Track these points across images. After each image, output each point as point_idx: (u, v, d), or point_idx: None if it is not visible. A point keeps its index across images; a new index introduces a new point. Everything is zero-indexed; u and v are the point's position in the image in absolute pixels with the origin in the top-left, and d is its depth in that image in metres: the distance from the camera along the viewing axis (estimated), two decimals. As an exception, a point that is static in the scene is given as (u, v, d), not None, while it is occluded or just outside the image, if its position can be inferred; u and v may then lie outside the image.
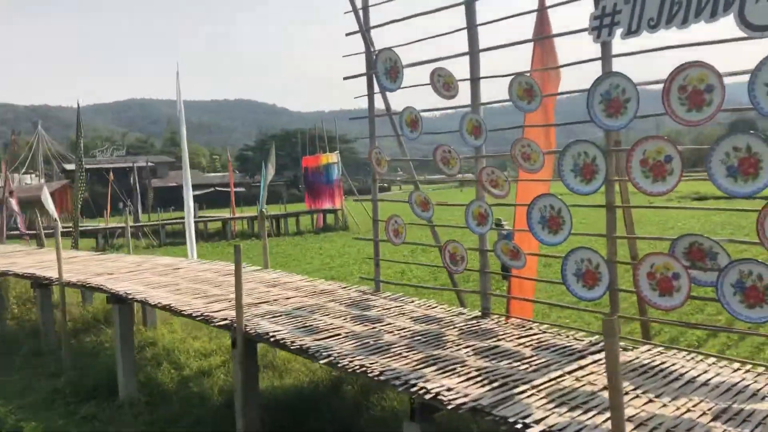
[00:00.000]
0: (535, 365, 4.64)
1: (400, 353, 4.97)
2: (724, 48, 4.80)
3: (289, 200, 46.34)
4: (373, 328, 5.71)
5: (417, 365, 4.67)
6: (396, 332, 5.55)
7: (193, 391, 7.55)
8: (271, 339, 5.46)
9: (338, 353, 4.98)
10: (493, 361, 4.74)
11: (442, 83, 6.19)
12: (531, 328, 5.64)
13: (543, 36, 5.75)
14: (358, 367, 4.69)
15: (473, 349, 5.03)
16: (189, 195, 14.14)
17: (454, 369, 4.56)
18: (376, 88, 6.99)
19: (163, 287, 7.82)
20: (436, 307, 6.50)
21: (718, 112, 4.41)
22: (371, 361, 4.77)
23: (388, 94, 6.94)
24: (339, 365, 4.80)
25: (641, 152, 4.83)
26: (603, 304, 6.12)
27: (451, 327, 5.70)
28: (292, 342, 5.30)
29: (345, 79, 7.28)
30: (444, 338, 5.35)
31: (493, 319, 5.98)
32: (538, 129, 6.48)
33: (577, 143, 5.22)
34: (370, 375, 4.55)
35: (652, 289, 4.93)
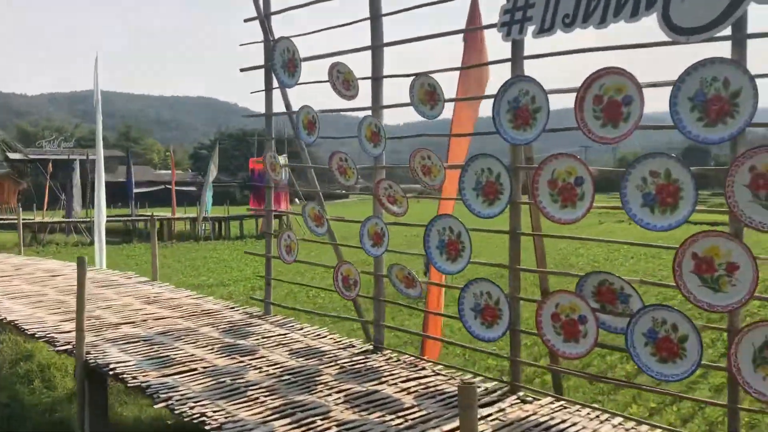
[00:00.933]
0: (412, 420, 3.85)
1: (257, 398, 4.14)
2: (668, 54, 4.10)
3: (243, 202, 45.09)
4: (240, 362, 4.86)
5: (269, 416, 3.84)
6: (265, 369, 4.71)
7: (53, 418, 6.57)
8: (110, 372, 4.56)
9: (182, 395, 4.12)
10: (364, 413, 3.94)
11: (342, 80, 5.40)
12: (424, 368, 4.87)
13: (450, 32, 5.00)
14: (197, 415, 3.84)
15: (346, 395, 4.23)
16: (101, 193, 13.05)
17: (313, 424, 3.75)
18: (275, 83, 6.16)
19: (25, 297, 6.84)
20: (325, 336, 5.68)
21: (635, 129, 3.72)
22: (216, 408, 3.93)
23: (290, 90, 6.13)
24: (176, 411, 3.94)
25: (550, 171, 4.11)
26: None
27: (333, 364, 4.88)
28: (133, 377, 4.42)
29: (242, 71, 6.45)
30: (318, 379, 4.53)
31: (384, 355, 5.18)
32: (459, 139, 5.77)
33: (479, 158, 4.48)
34: (207, 428, 3.71)
35: (556, 332, 4.20)
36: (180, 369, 4.63)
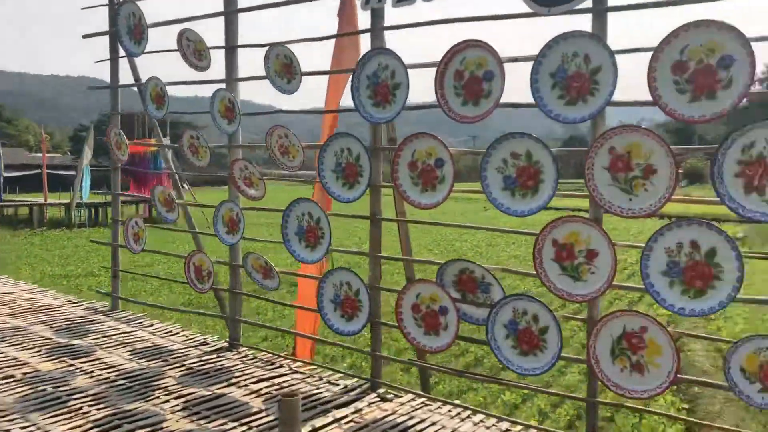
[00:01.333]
0: (257, 427, 3.45)
1: (80, 408, 3.60)
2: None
3: (125, 187, 42.50)
4: (71, 366, 4.27)
5: (89, 429, 3.32)
6: (98, 373, 4.15)
7: None
8: None
9: (-13, 409, 3.52)
10: (203, 421, 3.50)
11: (192, 50, 4.86)
12: (281, 367, 4.47)
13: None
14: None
15: (187, 401, 3.76)
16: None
17: (139, 437, 3.27)
18: (122, 52, 5.53)
19: None
20: (176, 334, 5.16)
21: (495, 107, 3.46)
22: (25, 423, 3.36)
23: (138, 60, 5.52)
24: (-25, 429, 3.34)
25: (410, 153, 3.81)
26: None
27: (178, 365, 4.39)
28: (-70, 389, 3.75)
29: (84, 38, 5.76)
30: (157, 383, 4.03)
31: (239, 353, 4.74)
32: (332, 121, 5.36)
33: (339, 137, 4.12)
34: (9, 448, 3.15)
35: (417, 324, 3.92)
36: (-6, 377, 4.00)
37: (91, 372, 4.17)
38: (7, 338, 4.76)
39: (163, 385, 4.00)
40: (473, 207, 29.86)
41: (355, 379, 4.26)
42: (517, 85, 3.47)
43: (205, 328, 7.02)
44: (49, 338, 4.82)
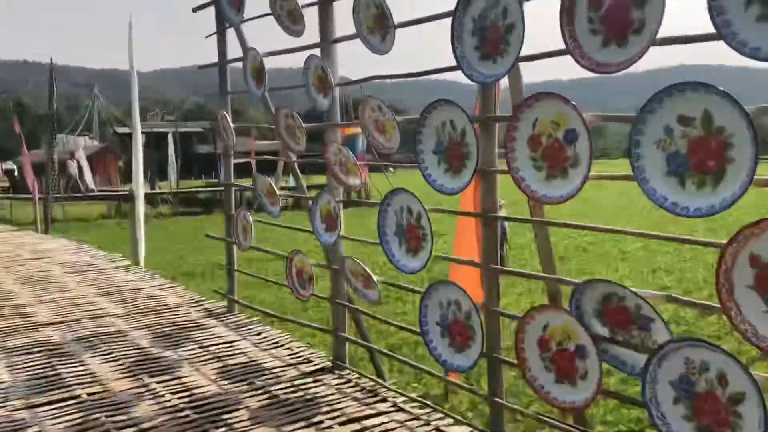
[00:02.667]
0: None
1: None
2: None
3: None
4: (143, 387, 3.71)
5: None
6: (167, 397, 3.55)
7: None
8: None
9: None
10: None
11: (286, 12, 4.06)
12: (384, 401, 3.55)
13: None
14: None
15: (247, 447, 3.00)
16: (138, 168, 12.27)
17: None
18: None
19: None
20: (283, 345, 4.45)
21: (649, 47, 2.20)
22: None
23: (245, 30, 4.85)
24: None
25: (530, 123, 2.65)
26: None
27: (264, 392, 3.65)
28: (-14, 411, 3.37)
29: (194, 11, 5.23)
30: (228, 416, 3.33)
31: (340, 377, 3.90)
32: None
33: (439, 107, 3.05)
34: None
35: (545, 367, 2.78)
36: (58, 396, 3.55)
37: (161, 396, 3.57)
38: (101, 345, 4.37)
39: (231, 421, 3.27)
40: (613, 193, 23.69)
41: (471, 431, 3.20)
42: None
43: (314, 338, 6.37)
44: (142, 348, 4.35)
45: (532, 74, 3.31)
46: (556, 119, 2.55)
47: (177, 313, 5.19)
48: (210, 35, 5.04)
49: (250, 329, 4.78)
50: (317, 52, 3.93)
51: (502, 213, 11.29)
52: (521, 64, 2.87)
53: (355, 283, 3.82)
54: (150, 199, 30.16)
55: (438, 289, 3.24)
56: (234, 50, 4.95)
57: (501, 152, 2.88)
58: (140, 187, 12.57)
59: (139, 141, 12.84)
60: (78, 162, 35.95)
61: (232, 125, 4.81)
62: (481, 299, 4.28)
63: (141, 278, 6.50)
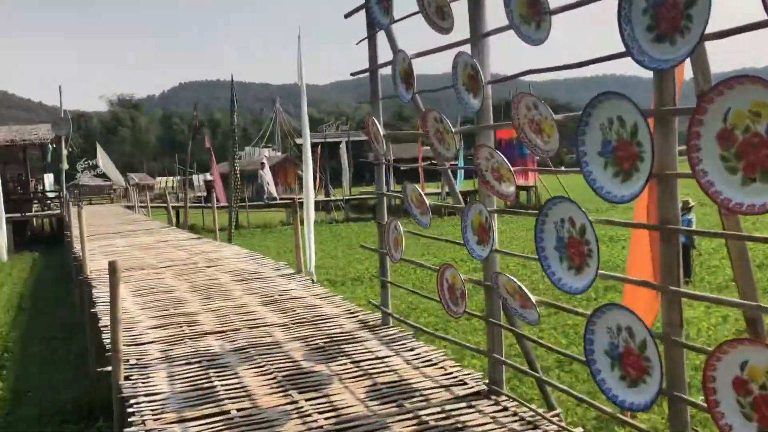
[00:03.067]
0: None
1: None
2: None
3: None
4: (291, 404, 3.61)
5: None
6: (314, 417, 3.41)
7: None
8: (128, 409, 3.65)
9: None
10: None
11: (435, 8, 3.79)
12: (545, 434, 3.15)
13: None
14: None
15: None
16: (308, 175, 12.67)
17: None
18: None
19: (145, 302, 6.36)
20: (437, 364, 4.17)
21: None
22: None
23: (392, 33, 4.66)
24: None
25: (720, 114, 2.15)
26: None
27: (413, 416, 3.40)
28: (143, 421, 3.44)
29: (346, 17, 5.12)
30: (372, 442, 3.11)
31: (497, 403, 3.54)
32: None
33: (605, 101, 2.61)
34: None
35: (744, 415, 2.24)
36: (209, 411, 3.54)
37: (308, 415, 3.44)
38: (256, 357, 4.37)
39: (377, 450, 3.05)
40: None
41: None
42: None
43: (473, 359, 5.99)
44: (295, 361, 4.28)
45: (717, 64, 2.74)
46: (756, 108, 2.03)
47: (332, 324, 5.11)
48: (361, 41, 4.91)
49: (403, 344, 4.56)
50: (467, 49, 3.61)
51: (691, 216, 10.10)
52: (707, 46, 2.37)
53: (511, 303, 3.45)
54: (324, 205, 31.51)
55: (606, 313, 2.78)
56: (386, 54, 4.79)
57: (682, 151, 2.39)
58: (310, 195, 12.99)
59: (308, 151, 13.28)
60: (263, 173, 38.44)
61: (382, 132, 4.63)
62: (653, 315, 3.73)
63: (302, 287, 6.56)
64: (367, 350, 4.46)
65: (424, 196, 4.17)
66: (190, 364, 4.27)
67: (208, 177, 44.88)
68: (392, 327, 4.94)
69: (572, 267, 2.93)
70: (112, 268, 3.98)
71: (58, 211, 22.52)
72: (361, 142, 59.04)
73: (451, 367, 4.10)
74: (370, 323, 5.09)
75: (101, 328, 5.20)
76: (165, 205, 27.03)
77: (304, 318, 5.31)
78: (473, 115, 3.69)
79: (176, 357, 4.43)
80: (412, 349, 4.45)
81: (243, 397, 3.72)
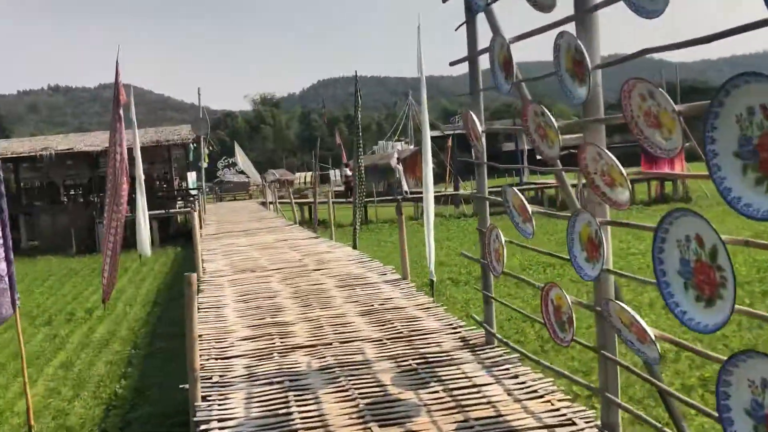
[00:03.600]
0: None
1: None
2: None
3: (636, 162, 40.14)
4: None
5: None
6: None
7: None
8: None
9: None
10: None
11: (533, -18, 3.22)
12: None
13: None
14: None
15: None
16: (427, 170, 12.25)
17: None
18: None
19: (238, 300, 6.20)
20: (542, 396, 3.59)
21: None
22: None
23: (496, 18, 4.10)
24: None
25: None
26: None
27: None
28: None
29: (444, 1, 4.61)
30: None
31: (610, 454, 2.92)
32: None
33: (740, 85, 1.95)
34: None
35: None
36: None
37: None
38: (341, 379, 4.00)
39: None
40: None
41: None
42: None
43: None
44: (382, 386, 3.86)
45: None
46: None
47: (430, 341, 4.65)
48: (459, 26, 4.39)
49: (507, 369, 4.01)
50: (572, 29, 3.01)
51: None
52: None
53: (627, 335, 2.82)
54: (452, 199, 30.93)
55: (746, 362, 2.12)
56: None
57: None
58: (429, 190, 12.54)
59: (427, 145, 12.82)
60: (393, 167, 38.52)
61: (480, 128, 4.09)
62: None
63: (406, 295, 6.14)
64: (463, 375, 3.96)
65: (526, 202, 3.60)
66: (271, 384, 3.98)
67: (348, 173, 45.07)
68: (496, 347, 4.40)
69: (701, 298, 2.28)
70: (188, 282, 3.77)
71: (199, 208, 23.72)
72: (497, 133, 57.80)
73: (558, 401, 3.51)
74: (472, 341, 4.57)
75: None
76: (299, 201, 27.80)
77: (401, 333, 4.88)
78: (580, 107, 3.08)
79: (260, 375, 4.17)
80: (515, 377, 3.89)
81: (318, 428, 3.36)
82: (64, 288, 16.05)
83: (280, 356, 4.51)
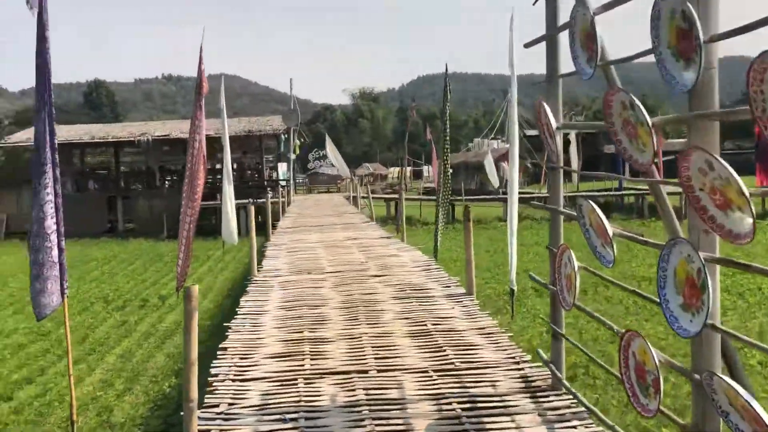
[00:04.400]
0: None
1: None
2: None
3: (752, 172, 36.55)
4: None
5: None
6: None
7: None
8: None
9: None
10: None
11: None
12: None
13: None
14: None
15: None
16: (513, 168, 11.32)
17: None
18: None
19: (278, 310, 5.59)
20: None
21: None
22: None
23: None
24: None
25: None
26: None
27: None
28: None
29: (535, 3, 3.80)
30: None
31: None
32: None
33: None
34: None
35: None
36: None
37: None
38: (366, 421, 3.28)
39: None
40: None
41: None
42: None
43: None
44: (414, 436, 3.13)
45: None
46: None
47: (485, 378, 3.85)
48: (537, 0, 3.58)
49: (573, 428, 3.18)
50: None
51: None
52: None
53: (736, 421, 1.97)
54: (547, 201, 29.40)
55: None
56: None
57: None
58: (514, 193, 11.64)
59: (514, 146, 11.92)
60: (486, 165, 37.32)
61: (554, 123, 3.28)
62: None
63: (466, 315, 5.33)
64: (517, 429, 3.17)
65: (606, 222, 2.77)
66: (284, 421, 3.33)
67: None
68: (563, 395, 3.56)
69: None
70: (188, 295, 3.18)
71: (284, 198, 23.62)
72: (595, 134, 55.25)
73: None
74: (536, 382, 3.75)
75: (218, 353, 4.53)
76: (385, 197, 27.29)
77: (451, 365, 4.10)
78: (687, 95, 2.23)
79: (274, 407, 3.52)
80: (586, 439, 3.06)
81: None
82: (147, 272, 16.22)
83: (305, 383, 3.84)
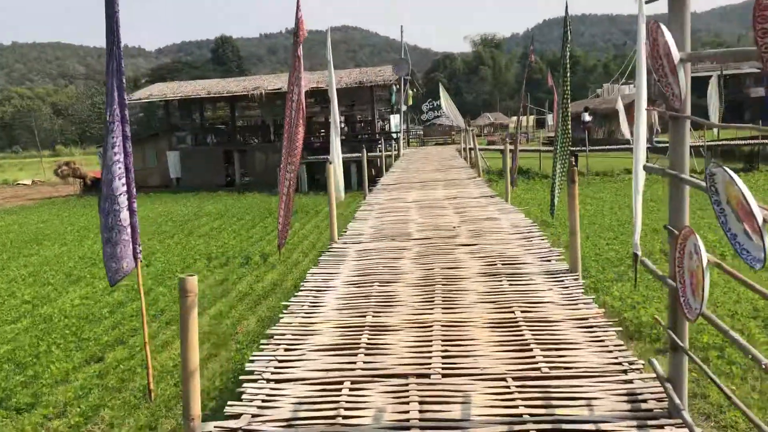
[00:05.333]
0: None
1: None
2: None
3: None
4: None
5: None
6: None
7: None
8: None
9: None
10: None
11: None
12: None
13: None
14: None
15: None
16: (641, 115, 9.87)
17: None
18: None
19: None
20: None
21: None
22: None
23: None
24: None
25: None
26: None
27: None
28: None
29: None
30: None
31: None
32: None
33: None
34: None
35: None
36: None
37: None
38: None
39: None
40: None
41: None
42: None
43: None
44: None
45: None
46: None
47: (578, 393, 2.96)
48: None
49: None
50: None
51: None
52: None
53: None
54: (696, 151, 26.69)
55: None
56: None
57: None
58: (641, 140, 10.25)
59: (642, 89, 10.44)
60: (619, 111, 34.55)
61: (677, 54, 2.27)
62: None
63: (566, 298, 4.35)
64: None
65: (753, 201, 1.79)
66: None
67: (587, 118, 39.19)
68: (680, 426, 2.61)
69: None
70: (183, 288, 2.53)
71: (397, 152, 22.92)
72: (739, 76, 49.88)
73: None
74: (648, 402, 2.82)
75: (261, 343, 3.91)
76: (500, 148, 25.87)
77: (537, 371, 3.22)
78: None
79: (304, 426, 2.83)
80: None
81: None
82: (255, 228, 16.17)
83: (351, 389, 3.13)
